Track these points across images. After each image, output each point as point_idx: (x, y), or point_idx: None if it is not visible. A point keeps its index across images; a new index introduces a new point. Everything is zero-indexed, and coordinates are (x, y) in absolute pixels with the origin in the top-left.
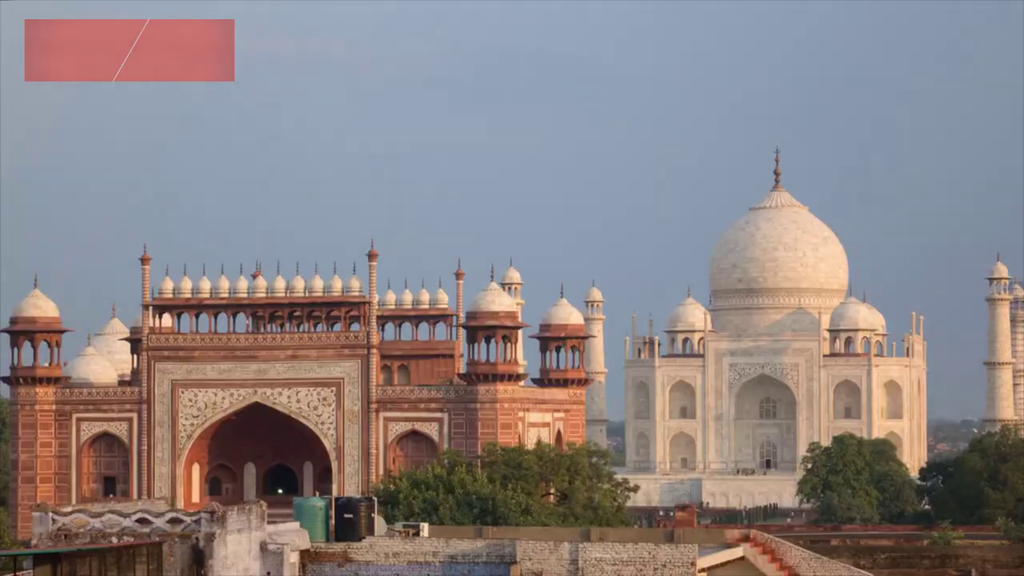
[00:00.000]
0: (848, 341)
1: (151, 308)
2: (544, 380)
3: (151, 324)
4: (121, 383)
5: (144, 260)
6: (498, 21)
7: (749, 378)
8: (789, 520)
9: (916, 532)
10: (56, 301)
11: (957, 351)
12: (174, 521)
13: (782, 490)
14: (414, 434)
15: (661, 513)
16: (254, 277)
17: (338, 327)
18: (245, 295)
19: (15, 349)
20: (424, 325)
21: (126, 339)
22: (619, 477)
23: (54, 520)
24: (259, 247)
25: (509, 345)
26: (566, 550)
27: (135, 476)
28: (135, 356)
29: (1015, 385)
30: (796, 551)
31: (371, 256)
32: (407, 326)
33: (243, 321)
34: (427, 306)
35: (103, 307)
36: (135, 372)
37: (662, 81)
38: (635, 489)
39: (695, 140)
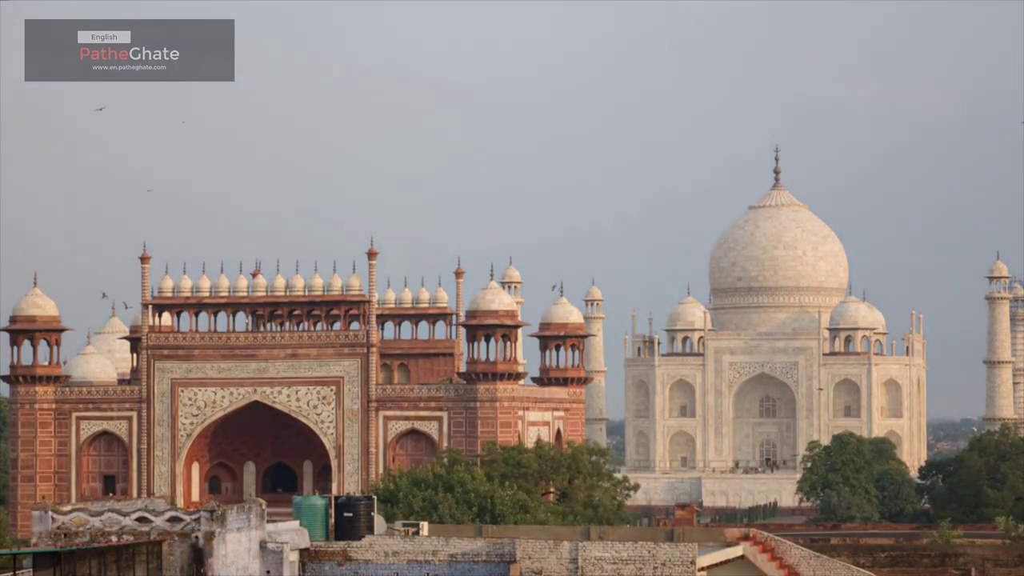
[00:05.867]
0: (848, 340)
1: (151, 307)
2: (544, 379)
3: (151, 323)
4: (121, 382)
5: (144, 259)
6: (498, 19)
7: (749, 377)
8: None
9: (916, 531)
10: (56, 300)
11: (957, 350)
12: (174, 520)
13: (782, 489)
14: (414, 433)
15: (661, 512)
16: (254, 276)
17: (338, 326)
18: (245, 294)
19: (15, 348)
20: (424, 324)
21: (126, 338)
22: (619, 476)
23: (54, 519)
24: (259, 246)
25: (509, 344)
26: (566, 549)
27: (135, 475)
28: (135, 355)
29: (1015, 384)
30: (796, 550)
31: (371, 255)
32: (407, 325)
33: (243, 320)
34: (427, 305)
35: (103, 306)
36: (135, 371)
37: (662, 80)
38: (635, 488)
39: (695, 139)
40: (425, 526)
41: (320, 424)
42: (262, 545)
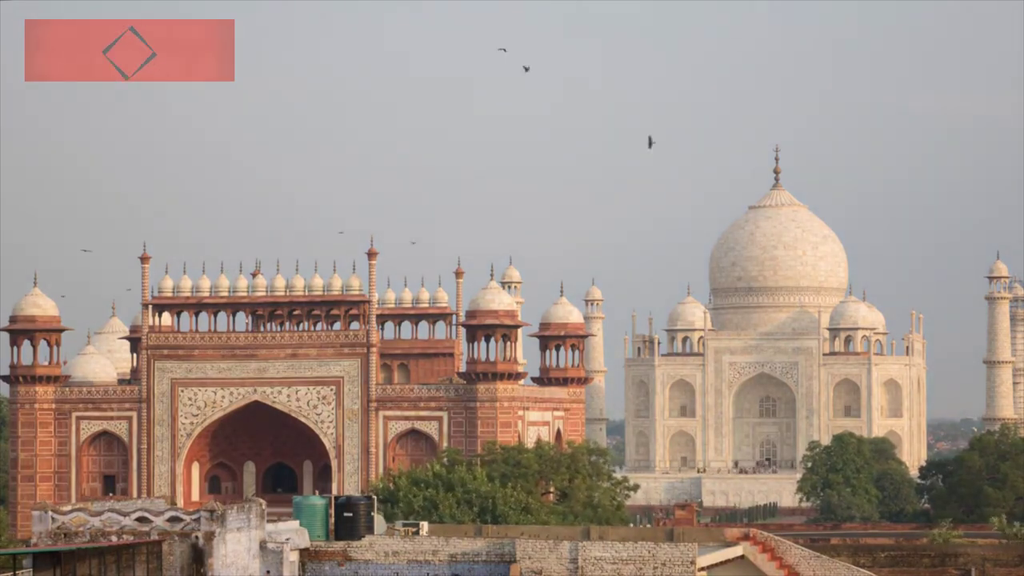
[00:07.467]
0: (848, 340)
1: (151, 307)
2: (544, 379)
3: (151, 323)
4: (121, 382)
5: (144, 259)
6: (499, 20)
7: (749, 377)
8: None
9: (916, 531)
10: (56, 300)
11: (957, 350)
12: (174, 520)
13: (782, 489)
14: (414, 433)
15: (661, 512)
16: (254, 276)
17: (338, 326)
18: (245, 294)
19: (15, 348)
20: (424, 324)
21: (126, 338)
22: (619, 476)
23: (54, 519)
24: (259, 246)
25: (509, 344)
26: (566, 549)
27: (135, 475)
28: (135, 355)
29: (1015, 384)
30: (796, 550)
31: (371, 255)
32: (407, 325)
33: (243, 320)
34: (427, 305)
35: (103, 306)
36: (135, 371)
37: (662, 80)
38: (635, 488)
39: (695, 139)
40: (425, 526)
41: (320, 424)
42: (262, 545)
